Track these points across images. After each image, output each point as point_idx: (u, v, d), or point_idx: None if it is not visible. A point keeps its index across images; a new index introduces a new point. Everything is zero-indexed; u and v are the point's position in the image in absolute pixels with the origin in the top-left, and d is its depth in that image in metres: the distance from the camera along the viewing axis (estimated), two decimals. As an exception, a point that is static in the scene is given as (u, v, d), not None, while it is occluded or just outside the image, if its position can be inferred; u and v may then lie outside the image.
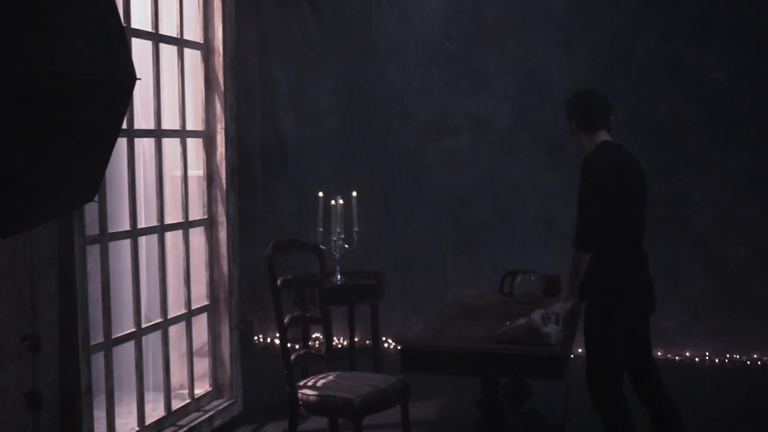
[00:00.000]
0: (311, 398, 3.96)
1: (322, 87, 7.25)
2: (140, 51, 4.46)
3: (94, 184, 2.76)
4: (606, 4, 6.65)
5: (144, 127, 4.73)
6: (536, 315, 3.59)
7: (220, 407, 5.05)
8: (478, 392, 4.17)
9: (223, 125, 5.12)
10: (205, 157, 5.12)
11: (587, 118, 3.99)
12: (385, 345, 6.96)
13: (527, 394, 4.43)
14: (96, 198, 2.93)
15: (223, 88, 5.11)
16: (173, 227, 4.86)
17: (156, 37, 4.59)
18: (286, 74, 7.33)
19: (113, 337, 4.30)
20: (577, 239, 3.88)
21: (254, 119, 7.38)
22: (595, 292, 3.90)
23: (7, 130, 2.35)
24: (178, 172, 4.93)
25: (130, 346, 4.50)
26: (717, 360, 6.47)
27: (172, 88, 4.86)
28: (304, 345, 5.52)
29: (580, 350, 6.56)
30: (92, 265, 4.30)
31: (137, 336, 4.49)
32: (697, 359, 6.45)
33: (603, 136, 3.99)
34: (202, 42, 5.07)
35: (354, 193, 5.69)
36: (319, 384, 4.08)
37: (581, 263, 3.90)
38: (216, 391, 5.17)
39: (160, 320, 4.72)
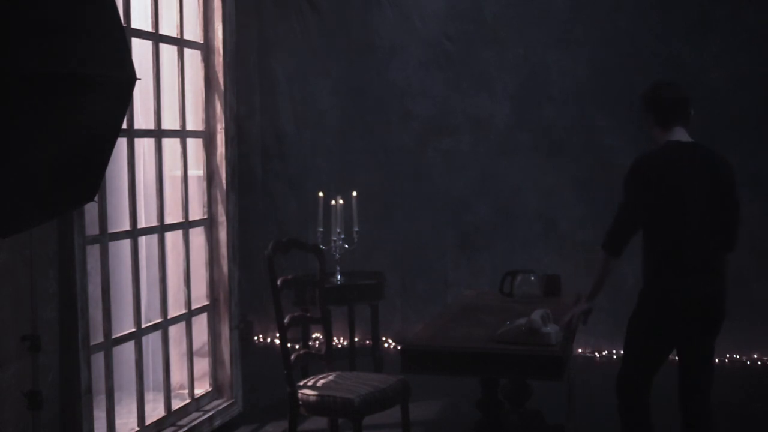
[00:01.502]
0: (311, 398, 3.96)
1: (322, 87, 7.25)
2: (140, 51, 4.46)
3: (94, 184, 2.75)
4: (606, 4, 6.65)
5: (144, 127, 4.73)
6: (536, 315, 3.59)
7: (220, 407, 5.05)
8: (478, 392, 4.17)
9: (223, 125, 5.12)
10: (205, 157, 5.12)
11: (654, 113, 3.76)
12: (385, 345, 6.96)
13: (527, 394, 4.43)
14: (96, 198, 2.92)
15: (223, 88, 5.11)
16: (173, 227, 4.86)
17: (156, 37, 4.59)
18: (286, 74, 7.32)
19: (113, 337, 4.30)
20: (604, 240, 3.77)
21: (254, 119, 7.38)
22: (639, 299, 3.79)
23: (6, 129, 2.35)
24: (178, 172, 4.93)
25: (130, 346, 4.50)
26: (717, 360, 6.45)
27: (172, 88, 4.86)
28: (304, 345, 5.52)
29: (580, 350, 6.57)
30: (92, 265, 4.30)
31: (137, 336, 4.49)
32: (697, 359, 6.44)
33: (677, 133, 3.73)
34: (202, 42, 5.07)
35: (354, 193, 5.69)
36: (319, 384, 4.08)
37: (606, 266, 3.78)
38: (216, 391, 5.17)
39: (160, 320, 4.72)
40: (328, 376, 4.20)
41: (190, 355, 4.95)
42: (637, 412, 3.80)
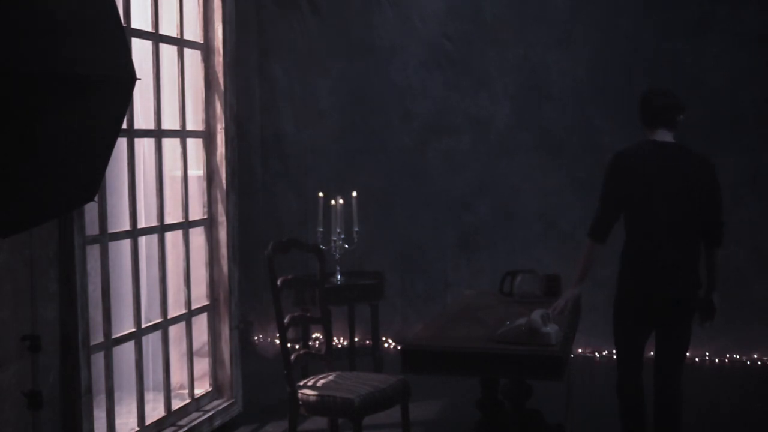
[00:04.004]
0: (311, 398, 3.96)
1: (322, 87, 7.25)
2: (140, 51, 4.46)
3: (94, 184, 2.75)
4: (606, 4, 6.65)
5: (144, 127, 4.73)
6: (536, 315, 3.59)
7: (220, 407, 5.05)
8: (478, 392, 4.18)
9: (223, 125, 5.12)
10: (205, 157, 5.12)
11: (642, 114, 4.03)
12: (385, 345, 6.96)
13: (527, 394, 4.42)
14: (96, 198, 2.93)
15: (223, 88, 5.11)
16: (173, 227, 4.86)
17: (156, 37, 4.59)
18: (286, 74, 7.32)
19: (113, 337, 4.30)
20: (590, 229, 4.05)
21: (254, 119, 7.38)
22: (617, 284, 4.03)
23: (7, 129, 2.35)
24: (178, 172, 4.93)
25: (130, 346, 4.50)
26: (717, 360, 6.46)
27: (172, 88, 4.86)
28: (304, 345, 5.52)
29: (580, 350, 6.57)
30: (92, 265, 4.30)
31: (137, 336, 4.49)
32: (697, 359, 6.45)
33: (659, 134, 3.98)
34: (202, 42, 5.08)
35: (354, 193, 5.69)
36: (319, 384, 4.08)
37: (591, 252, 4.04)
38: (216, 391, 5.17)
39: (160, 320, 4.72)
40: (328, 376, 4.20)
41: (190, 355, 4.95)
42: (625, 404, 3.99)
